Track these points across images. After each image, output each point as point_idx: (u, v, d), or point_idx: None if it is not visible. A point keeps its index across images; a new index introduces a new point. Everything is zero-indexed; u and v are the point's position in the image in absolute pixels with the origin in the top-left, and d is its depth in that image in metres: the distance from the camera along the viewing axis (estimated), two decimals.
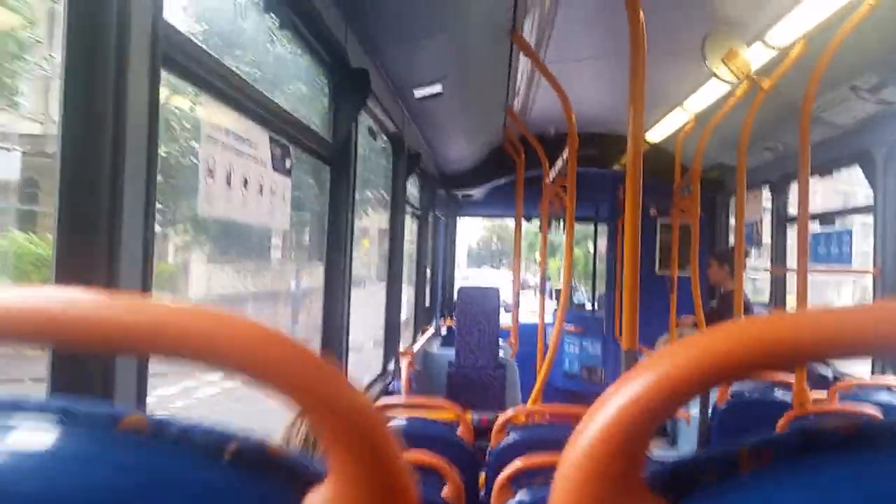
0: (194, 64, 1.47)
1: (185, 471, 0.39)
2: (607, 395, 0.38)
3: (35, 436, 0.40)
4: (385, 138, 3.92)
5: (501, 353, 5.33)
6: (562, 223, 8.25)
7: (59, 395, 1.03)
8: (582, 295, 9.42)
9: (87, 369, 1.06)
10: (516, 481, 2.06)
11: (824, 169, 4.36)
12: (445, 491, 1.89)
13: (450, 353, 5.38)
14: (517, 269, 5.77)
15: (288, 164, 2.09)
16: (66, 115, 1.10)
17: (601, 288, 8.28)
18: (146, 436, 0.40)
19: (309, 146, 2.32)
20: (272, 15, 2.04)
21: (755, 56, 3.48)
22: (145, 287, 1.16)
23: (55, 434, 0.40)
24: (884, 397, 3.28)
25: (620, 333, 6.96)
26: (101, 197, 1.09)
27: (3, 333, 0.38)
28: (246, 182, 1.78)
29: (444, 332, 6.70)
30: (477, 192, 7.08)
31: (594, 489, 0.37)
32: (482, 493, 2.67)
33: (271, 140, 1.98)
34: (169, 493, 0.38)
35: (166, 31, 1.27)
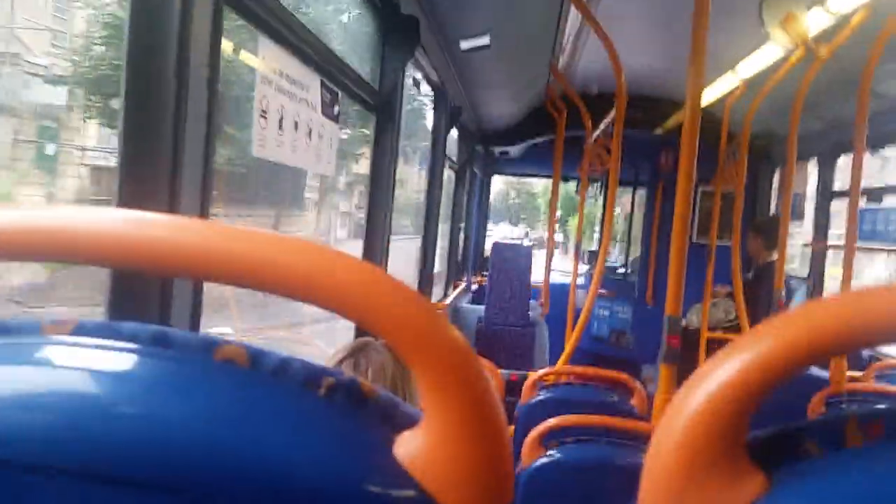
0: (254, 1, 1.47)
1: (282, 403, 0.39)
2: (713, 362, 0.37)
3: (131, 361, 0.40)
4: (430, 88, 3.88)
5: (531, 312, 5.33)
6: (599, 185, 8.16)
7: (116, 317, 1.06)
8: (613, 258, 9.35)
9: (144, 293, 1.08)
10: (546, 438, 2.08)
11: (876, 142, 4.23)
12: None
13: (479, 309, 5.39)
14: (552, 228, 5.73)
15: (336, 109, 2.08)
16: (132, 48, 1.10)
17: (632, 251, 8.21)
18: (243, 366, 0.40)
19: (356, 93, 2.31)
20: None
21: (814, 21, 3.36)
22: (203, 213, 1.18)
23: (152, 360, 0.40)
24: None
25: (653, 299, 6.90)
26: (163, 128, 1.10)
27: (77, 252, 0.38)
28: (296, 125, 1.78)
29: (474, 288, 6.72)
30: (514, 150, 7.01)
31: (695, 457, 0.36)
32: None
33: (322, 85, 1.97)
34: (265, 423, 0.38)
35: None
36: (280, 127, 1.65)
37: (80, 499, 0.36)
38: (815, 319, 0.35)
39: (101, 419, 0.37)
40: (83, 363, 0.39)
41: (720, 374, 0.36)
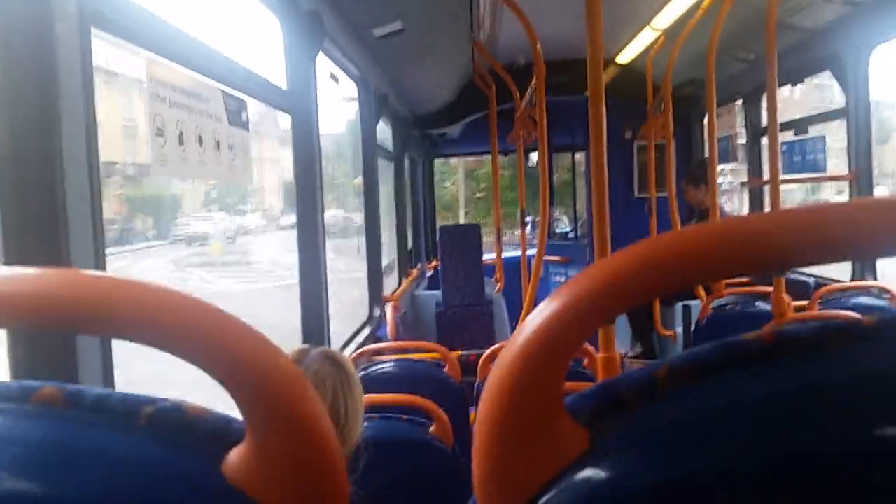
0: (129, 20, 1.41)
1: (101, 439, 0.38)
2: (523, 324, 0.37)
3: None
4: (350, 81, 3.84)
5: (488, 290, 5.35)
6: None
7: (20, 377, 1.02)
8: (565, 224, 9.44)
9: (46, 350, 1.04)
10: None
11: (795, 76, 4.31)
12: (433, 429, 1.92)
13: (436, 294, 5.39)
14: (497, 204, 5.74)
15: (244, 117, 2.04)
16: None
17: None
18: (61, 407, 0.39)
19: (265, 96, 2.27)
20: None
21: None
22: (98, 265, 1.14)
23: None
24: (864, 301, 3.31)
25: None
26: (40, 172, 1.05)
27: None
28: (201, 139, 1.73)
29: (429, 274, 6.71)
30: (452, 131, 6.99)
31: (512, 420, 0.36)
32: (473, 427, 2.71)
33: (224, 94, 1.92)
34: (85, 463, 0.37)
35: None
36: (181, 143, 1.61)
37: None
38: (599, 273, 0.35)
39: None
40: None
41: (523, 335, 0.36)
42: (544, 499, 0.36)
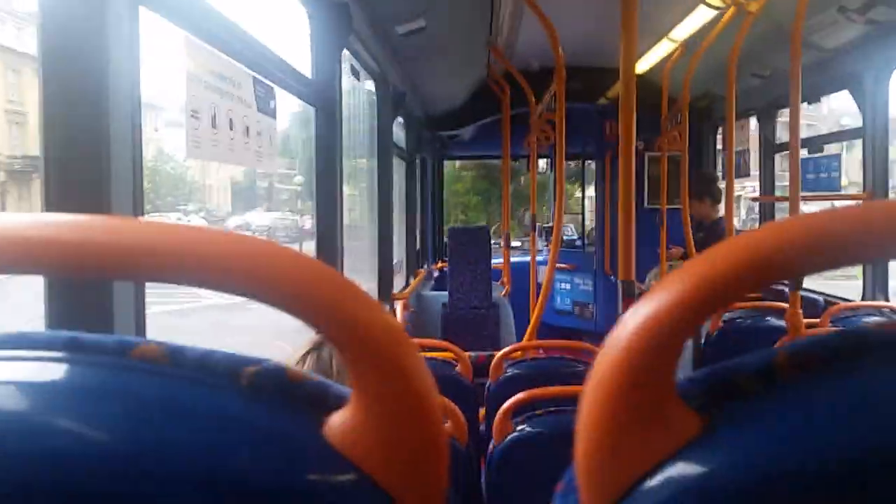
0: (174, 1, 1.42)
1: (202, 399, 0.38)
2: (636, 308, 0.36)
3: (43, 369, 0.38)
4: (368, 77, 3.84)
5: (494, 293, 5.35)
6: (548, 161, 8.20)
7: (56, 327, 1.02)
8: (572, 232, 9.44)
9: (83, 299, 1.05)
10: (516, 414, 2.09)
11: (812, 94, 4.32)
12: (448, 426, 1.91)
13: (443, 295, 5.39)
14: (506, 208, 5.75)
15: (272, 104, 2.04)
16: (45, 56, 1.06)
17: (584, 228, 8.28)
18: (160, 364, 0.39)
19: (292, 86, 2.27)
20: None
21: None
22: (136, 212, 1.15)
23: (64, 366, 0.38)
24: (875, 320, 3.32)
25: (611, 269, 7.03)
26: (86, 135, 1.06)
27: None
28: (231, 124, 1.73)
29: (436, 275, 6.72)
30: (464, 133, 6.99)
31: (624, 401, 0.36)
32: (482, 427, 2.71)
33: (255, 81, 1.93)
34: (184, 422, 0.37)
35: None
36: (214, 126, 1.61)
37: None
38: (730, 255, 0.34)
39: (18, 433, 0.35)
40: None
41: (636, 319, 0.36)
42: (651, 482, 0.35)
